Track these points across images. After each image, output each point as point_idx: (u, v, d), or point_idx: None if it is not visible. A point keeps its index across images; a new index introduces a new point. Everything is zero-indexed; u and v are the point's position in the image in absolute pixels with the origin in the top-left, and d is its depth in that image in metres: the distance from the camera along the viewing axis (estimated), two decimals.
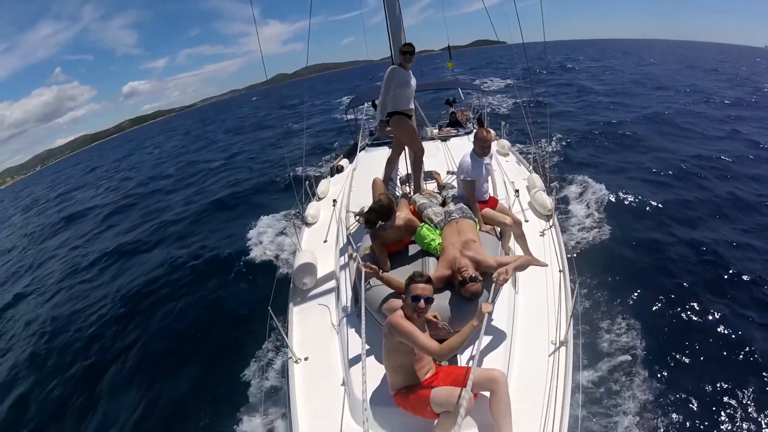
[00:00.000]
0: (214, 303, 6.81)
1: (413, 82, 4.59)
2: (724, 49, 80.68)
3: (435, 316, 2.81)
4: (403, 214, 3.70)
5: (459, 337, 2.38)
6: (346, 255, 4.15)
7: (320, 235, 4.94)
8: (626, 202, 8.15)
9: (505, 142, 7.23)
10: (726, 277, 5.78)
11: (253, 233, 8.72)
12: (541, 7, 5.42)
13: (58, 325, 7.55)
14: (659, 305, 5.33)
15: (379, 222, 3.54)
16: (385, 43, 5.37)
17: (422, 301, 2.44)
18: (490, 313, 2.49)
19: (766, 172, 9.64)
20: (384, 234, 3.54)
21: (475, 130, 8.06)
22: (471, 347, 2.49)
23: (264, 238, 8.39)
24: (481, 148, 4.04)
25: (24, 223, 21.34)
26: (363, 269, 3.12)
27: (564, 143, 12.56)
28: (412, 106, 4.70)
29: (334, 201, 5.54)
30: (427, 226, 3.64)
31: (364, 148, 7.72)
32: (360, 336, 3.21)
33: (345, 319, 3.41)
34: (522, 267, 3.21)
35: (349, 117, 10.15)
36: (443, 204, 4.10)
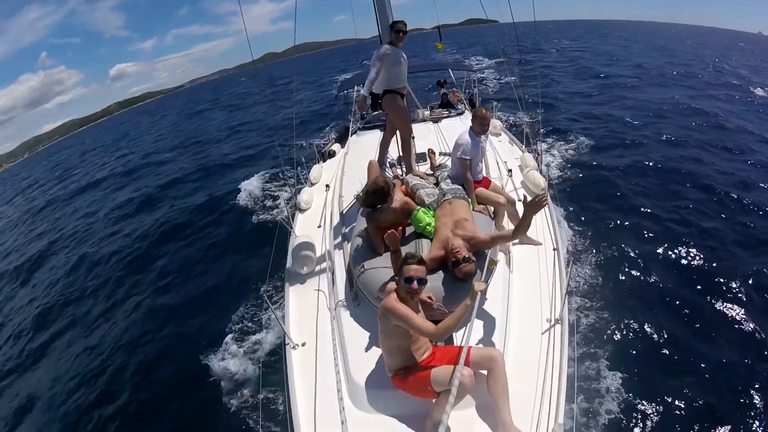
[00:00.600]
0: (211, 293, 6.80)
1: (405, 60, 4.51)
2: (714, 32, 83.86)
3: (429, 297, 2.80)
4: (399, 197, 3.66)
5: (454, 318, 2.38)
6: (341, 239, 4.13)
7: (314, 220, 4.90)
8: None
9: (497, 122, 7.17)
10: None
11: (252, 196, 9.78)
12: None
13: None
14: (653, 277, 5.44)
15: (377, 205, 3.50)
16: (374, 20, 5.25)
17: (415, 282, 2.43)
18: (483, 292, 2.49)
19: (680, 125, 12.13)
20: (380, 217, 3.49)
21: (466, 111, 8.02)
22: (466, 326, 2.49)
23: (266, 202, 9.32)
24: (480, 126, 4.01)
25: (29, 199, 21.89)
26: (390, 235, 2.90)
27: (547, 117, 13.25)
28: (405, 84, 4.63)
29: (327, 186, 5.49)
30: (423, 209, 3.59)
31: (355, 132, 7.64)
32: (356, 320, 3.22)
33: (340, 303, 3.40)
34: (506, 238, 3.09)
35: (340, 94, 9.98)
36: (436, 184, 4.07)
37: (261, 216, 8.70)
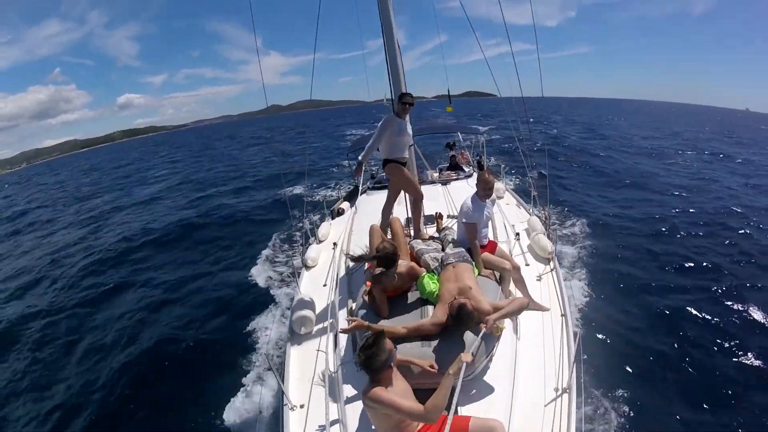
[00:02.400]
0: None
1: (409, 131, 4.67)
2: (701, 110, 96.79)
3: (431, 366, 2.75)
4: (405, 262, 3.68)
5: (439, 394, 2.33)
6: (346, 299, 4.11)
7: (320, 278, 4.91)
8: None
9: (500, 185, 7.30)
10: None
11: None
12: (540, 67, 5.59)
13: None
14: (666, 345, 5.32)
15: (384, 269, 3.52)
16: (380, 85, 5.52)
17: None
18: (469, 363, 2.44)
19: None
20: (386, 280, 3.49)
21: (475, 173, 8.21)
22: (454, 397, 2.39)
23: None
24: (484, 190, 4.06)
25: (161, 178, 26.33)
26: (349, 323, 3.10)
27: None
28: (406, 154, 4.75)
29: (335, 244, 5.54)
30: (429, 275, 3.59)
31: (365, 192, 7.81)
32: (358, 383, 3.13)
33: (342, 365, 3.33)
34: (514, 312, 3.08)
35: (350, 153, 10.23)
36: (442, 248, 4.09)
37: (266, 271, 8.59)
